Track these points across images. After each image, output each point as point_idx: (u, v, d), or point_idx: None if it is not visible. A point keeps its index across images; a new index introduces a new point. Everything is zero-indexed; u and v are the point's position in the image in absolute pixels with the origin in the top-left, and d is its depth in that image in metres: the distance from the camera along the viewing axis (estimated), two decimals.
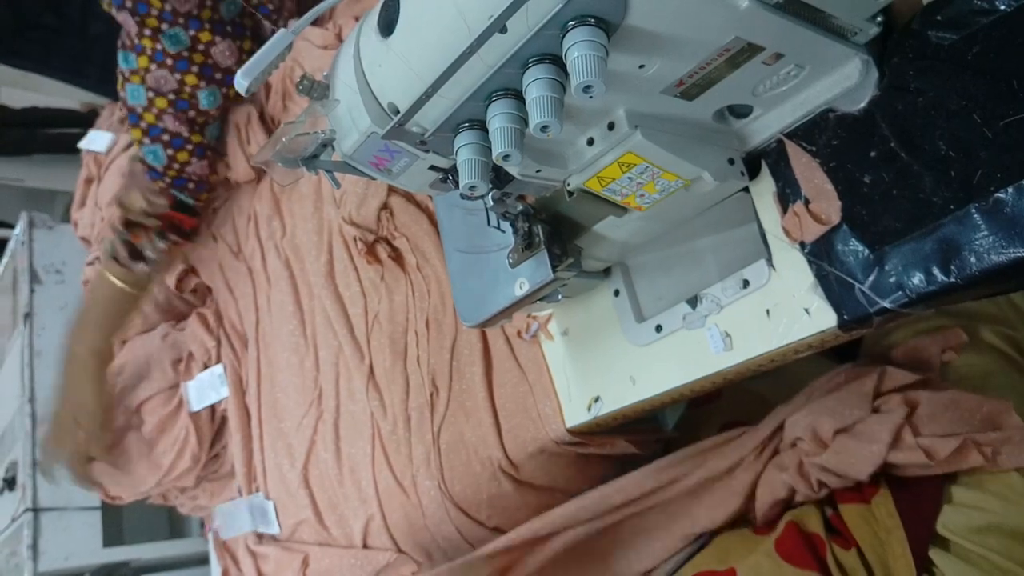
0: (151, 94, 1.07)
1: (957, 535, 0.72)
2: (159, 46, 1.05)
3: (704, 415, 1.02)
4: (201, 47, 1.07)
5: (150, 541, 1.92)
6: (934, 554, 0.73)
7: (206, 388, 1.29)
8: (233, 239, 1.28)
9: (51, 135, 2.22)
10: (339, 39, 1.07)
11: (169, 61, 1.05)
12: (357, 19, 1.05)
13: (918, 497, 0.75)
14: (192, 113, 1.09)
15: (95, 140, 1.66)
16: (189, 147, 1.13)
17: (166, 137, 1.11)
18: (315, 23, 1.04)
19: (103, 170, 1.62)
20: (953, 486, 0.75)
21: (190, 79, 1.08)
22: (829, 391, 0.78)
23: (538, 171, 0.62)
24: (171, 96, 1.07)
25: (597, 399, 0.82)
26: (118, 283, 1.20)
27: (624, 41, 0.49)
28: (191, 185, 1.18)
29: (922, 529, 0.74)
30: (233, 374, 1.26)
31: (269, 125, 1.20)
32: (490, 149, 0.52)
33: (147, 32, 1.04)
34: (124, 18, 1.05)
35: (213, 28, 1.06)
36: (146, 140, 1.12)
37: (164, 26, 1.03)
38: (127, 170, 1.21)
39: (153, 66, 1.06)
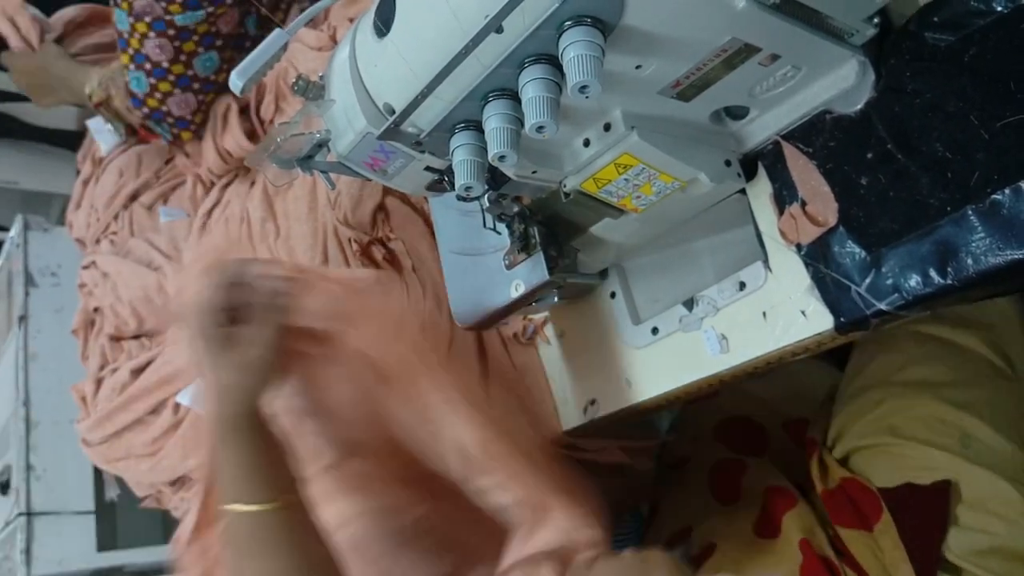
0: (132, 19, 1.07)
1: (961, 558, 0.72)
2: None
3: (700, 411, 1.02)
4: None
5: (144, 545, 1.91)
6: None
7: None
8: (224, 240, 1.27)
9: (44, 129, 2.21)
10: (333, 41, 1.07)
11: None
12: (352, 20, 1.05)
13: (923, 523, 0.75)
14: (171, 32, 1.07)
15: (103, 130, 1.62)
16: (171, 77, 1.12)
17: (148, 66, 1.10)
18: (309, 25, 1.04)
19: (101, 170, 1.61)
20: (959, 505, 0.74)
21: (174, 8, 1.06)
22: None
23: (534, 172, 0.62)
24: (148, 19, 1.06)
25: (593, 402, 0.81)
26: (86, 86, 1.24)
27: (621, 41, 0.49)
28: (169, 120, 1.17)
29: (928, 558, 0.73)
30: None
31: (253, 122, 1.19)
32: (486, 150, 0.51)
33: None
34: None
35: None
36: (131, 66, 1.11)
37: None
38: (116, 74, 1.21)
39: None
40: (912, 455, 0.78)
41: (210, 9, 1.06)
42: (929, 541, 0.74)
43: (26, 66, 1.35)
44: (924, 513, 0.75)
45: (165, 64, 1.10)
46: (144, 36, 1.07)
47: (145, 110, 1.16)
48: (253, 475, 0.67)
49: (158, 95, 1.13)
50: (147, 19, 1.06)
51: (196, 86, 1.15)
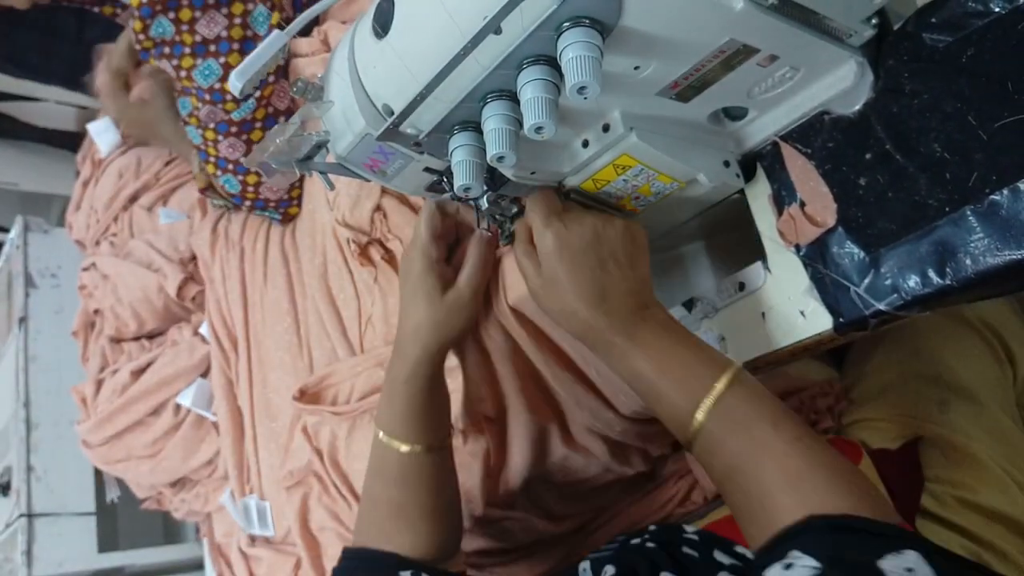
0: (201, 130, 1.10)
1: (939, 508, 0.75)
2: (195, 84, 1.06)
3: None
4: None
5: (145, 547, 1.92)
6: (919, 525, 0.74)
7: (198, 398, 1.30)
8: (238, 229, 1.27)
9: (44, 129, 2.20)
10: (326, 45, 1.07)
11: (207, 96, 1.06)
12: (345, 23, 1.05)
13: (899, 477, 0.77)
14: (234, 129, 1.09)
15: (103, 132, 1.62)
16: (253, 169, 1.12)
17: (230, 166, 1.13)
18: (303, 32, 1.04)
19: (100, 171, 1.61)
20: (934, 466, 0.78)
21: (229, 106, 1.08)
22: None
23: (533, 173, 0.62)
24: (212, 125, 1.09)
25: None
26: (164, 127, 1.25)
27: (619, 42, 0.49)
28: (271, 205, 1.19)
29: (909, 500, 0.76)
30: (222, 376, 1.25)
31: None
32: (485, 151, 0.52)
33: (183, 74, 1.05)
34: (165, 65, 1.06)
35: (242, 48, 1.06)
36: (219, 173, 1.14)
37: (198, 61, 1.04)
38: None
39: (200, 104, 1.07)
40: (890, 427, 0.83)
41: (257, 95, 1.08)
42: (906, 490, 0.78)
43: (137, 116, 1.36)
44: (899, 469, 0.79)
45: (243, 159, 1.12)
46: (215, 141, 1.10)
47: (247, 203, 1.18)
48: (414, 419, 0.73)
49: (250, 189, 1.16)
50: (211, 125, 1.08)
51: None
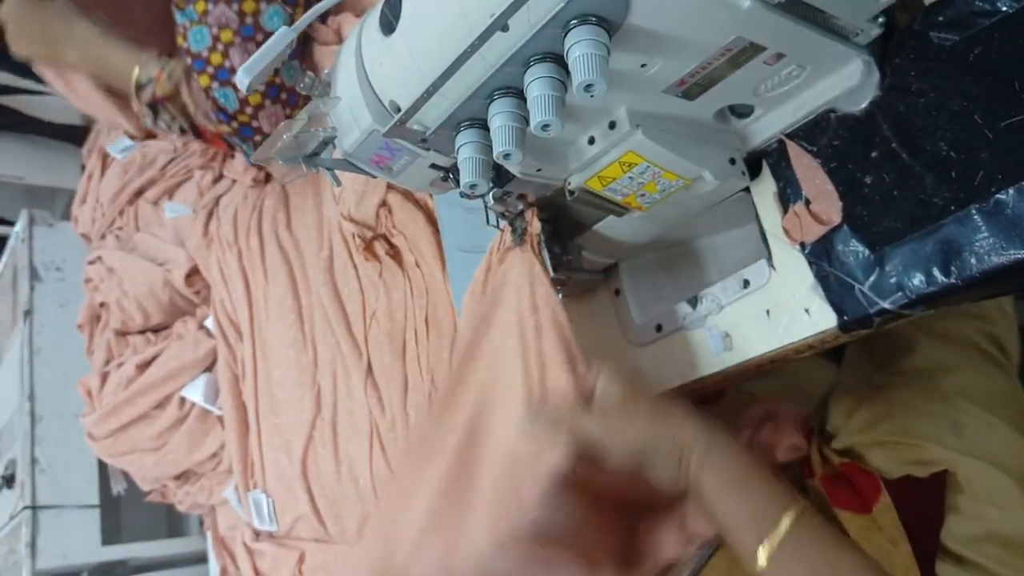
0: (215, 30, 0.99)
1: (959, 545, 0.73)
2: None
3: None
4: None
5: (148, 539, 1.92)
6: (940, 570, 0.73)
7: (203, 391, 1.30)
8: (230, 229, 1.27)
9: (49, 123, 2.20)
10: (338, 37, 1.07)
11: None
12: (358, 17, 1.05)
13: (921, 512, 0.76)
14: (260, 37, 0.99)
15: (117, 143, 1.63)
16: (261, 88, 1.01)
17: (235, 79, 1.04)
18: (320, 20, 1.04)
19: (106, 166, 1.62)
20: (956, 494, 0.75)
21: (248, 5, 0.98)
22: None
23: (539, 170, 0.62)
24: (234, 26, 0.98)
25: None
26: (133, 74, 1.10)
27: (626, 40, 0.49)
28: (259, 138, 1.07)
29: (927, 545, 0.74)
30: (228, 372, 1.25)
31: None
32: (491, 147, 0.52)
33: None
34: None
35: None
36: (215, 85, 1.02)
37: None
38: (188, 80, 1.08)
39: (211, 6, 0.99)
40: (908, 449, 0.79)
41: (290, 9, 1.01)
42: (927, 529, 0.75)
43: (24, 14, 1.16)
44: (923, 503, 0.76)
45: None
46: (229, 45, 0.99)
47: (235, 125, 1.06)
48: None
49: (249, 110, 1.04)
50: (233, 26, 0.98)
51: (284, 96, 1.05)
